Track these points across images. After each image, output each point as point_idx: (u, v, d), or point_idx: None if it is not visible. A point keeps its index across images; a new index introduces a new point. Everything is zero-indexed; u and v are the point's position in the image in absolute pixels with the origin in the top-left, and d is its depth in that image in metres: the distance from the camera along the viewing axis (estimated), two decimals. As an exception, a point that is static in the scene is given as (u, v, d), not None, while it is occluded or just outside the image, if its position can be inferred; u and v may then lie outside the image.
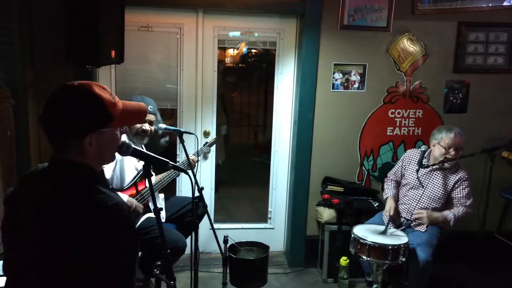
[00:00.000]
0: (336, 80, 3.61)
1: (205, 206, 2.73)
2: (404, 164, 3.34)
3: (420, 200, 3.20)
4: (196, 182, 2.56)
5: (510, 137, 3.74)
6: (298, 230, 3.78)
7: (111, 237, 1.23)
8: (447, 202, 3.20)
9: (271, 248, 3.42)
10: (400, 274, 3.25)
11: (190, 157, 2.87)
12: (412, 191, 3.25)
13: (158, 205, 1.84)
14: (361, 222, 3.32)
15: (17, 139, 2.86)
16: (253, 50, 5.23)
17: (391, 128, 3.76)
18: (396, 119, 3.75)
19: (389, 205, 3.25)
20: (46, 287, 1.27)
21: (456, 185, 3.15)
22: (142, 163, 1.68)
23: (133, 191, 2.81)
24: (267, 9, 3.50)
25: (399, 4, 3.51)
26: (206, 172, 3.79)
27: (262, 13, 3.58)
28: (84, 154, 1.30)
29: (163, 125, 2.96)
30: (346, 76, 3.62)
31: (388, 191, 3.38)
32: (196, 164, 3.07)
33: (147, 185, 1.70)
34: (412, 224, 3.18)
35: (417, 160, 3.20)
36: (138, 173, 2.84)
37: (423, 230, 3.13)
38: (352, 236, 2.99)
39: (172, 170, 2.44)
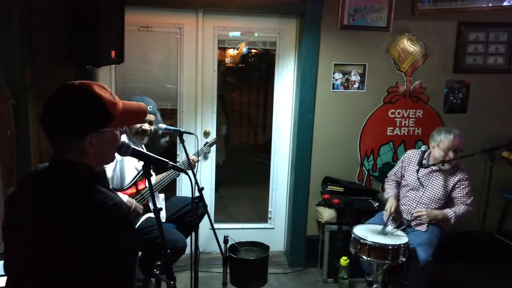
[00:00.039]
0: (336, 80, 3.61)
1: (205, 206, 2.73)
2: (404, 164, 3.34)
3: (420, 201, 3.20)
4: (196, 182, 2.56)
5: (510, 137, 3.74)
6: (298, 230, 3.78)
7: (111, 237, 1.23)
8: (447, 203, 3.19)
9: (271, 248, 3.42)
10: (400, 274, 3.25)
11: (190, 157, 2.87)
12: (412, 192, 3.25)
13: (158, 205, 1.84)
14: (361, 222, 3.32)
15: (17, 139, 2.86)
16: (253, 50, 5.23)
17: (391, 128, 3.76)
18: (396, 119, 3.75)
19: (390, 203, 3.24)
20: (46, 287, 1.27)
21: (457, 185, 3.15)
22: (142, 163, 1.67)
23: (133, 191, 2.81)
24: (267, 9, 3.50)
25: (399, 4, 3.51)
26: (206, 172, 3.79)
27: (262, 13, 3.58)
28: (84, 154, 1.29)
29: (163, 125, 2.96)
30: (346, 76, 3.62)
31: (390, 190, 3.37)
32: (196, 164, 3.07)
33: (147, 185, 1.70)
34: (412, 224, 3.18)
35: (417, 161, 3.20)
36: (138, 173, 2.84)
37: (423, 230, 3.13)
38: (352, 236, 2.99)
39: (172, 170, 2.44)
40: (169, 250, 1.80)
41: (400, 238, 2.94)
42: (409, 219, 3.19)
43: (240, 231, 3.80)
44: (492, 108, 3.80)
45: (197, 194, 2.58)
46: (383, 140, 3.78)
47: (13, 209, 1.39)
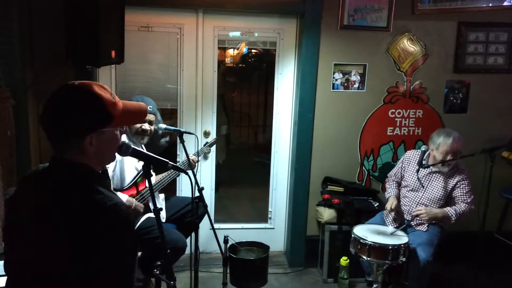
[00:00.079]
0: (336, 80, 3.61)
1: (205, 206, 2.73)
2: (403, 165, 3.34)
3: (420, 202, 3.19)
4: (196, 182, 2.56)
5: (510, 137, 3.74)
6: (298, 230, 3.78)
7: (111, 237, 1.23)
8: (447, 203, 3.19)
9: (271, 248, 3.41)
10: (400, 274, 3.25)
11: (190, 157, 2.87)
12: (412, 192, 3.25)
13: (158, 205, 1.84)
14: (361, 222, 3.32)
15: (17, 139, 2.86)
16: (253, 50, 5.23)
17: (391, 128, 3.76)
18: (396, 119, 3.75)
19: (391, 201, 3.23)
20: (46, 287, 1.27)
21: (457, 186, 3.14)
22: (142, 163, 1.68)
23: (134, 191, 2.81)
24: (267, 9, 3.50)
25: (399, 4, 3.51)
26: (206, 172, 3.79)
27: (262, 13, 3.58)
28: (84, 154, 1.29)
29: (163, 125, 2.96)
30: (346, 76, 3.61)
31: (391, 190, 3.37)
32: (196, 164, 3.07)
33: (147, 185, 1.70)
34: (412, 224, 3.17)
35: (417, 161, 3.20)
36: (138, 173, 2.84)
37: (424, 230, 3.13)
38: (352, 236, 2.99)
39: (172, 170, 2.44)
40: (169, 250, 1.80)
41: (400, 238, 2.94)
42: (409, 219, 3.19)
43: (240, 231, 3.80)
44: (492, 108, 3.79)
45: (197, 194, 2.58)
46: (383, 140, 3.78)
47: (13, 209, 1.40)
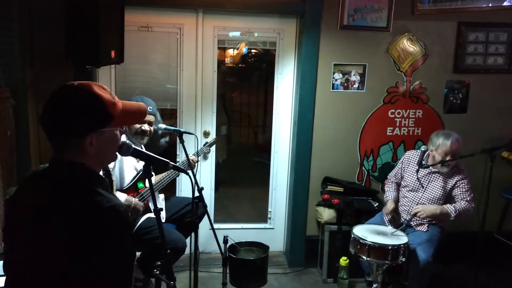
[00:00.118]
0: (336, 80, 3.61)
1: (205, 206, 2.73)
2: (403, 165, 3.34)
3: (420, 202, 3.19)
4: (196, 182, 2.56)
5: (510, 137, 3.74)
6: (298, 230, 3.78)
7: (110, 237, 1.23)
8: (446, 203, 3.18)
9: (271, 248, 3.42)
10: (400, 274, 3.25)
11: (190, 157, 2.87)
12: (411, 193, 3.25)
13: (158, 205, 1.84)
14: (361, 222, 3.32)
15: (17, 139, 2.86)
16: (253, 50, 5.23)
17: (391, 128, 3.76)
18: (396, 119, 3.75)
19: (388, 206, 3.24)
20: (46, 287, 1.27)
21: (456, 185, 3.14)
22: (141, 163, 1.68)
23: (134, 192, 2.81)
24: (267, 9, 3.50)
25: (399, 4, 3.51)
26: (206, 172, 3.79)
27: (262, 13, 3.58)
28: (84, 154, 1.30)
29: (163, 125, 2.95)
30: (346, 76, 3.62)
31: (389, 193, 3.37)
32: (196, 164, 3.07)
33: (147, 185, 1.70)
34: (412, 224, 3.17)
35: (416, 161, 3.20)
36: (138, 173, 2.84)
37: (424, 230, 3.13)
38: (352, 236, 2.99)
39: (172, 170, 2.44)
40: (169, 250, 1.80)
41: (399, 238, 2.94)
42: (409, 218, 3.18)
43: (240, 231, 3.80)
44: (492, 108, 3.80)
45: (197, 194, 2.58)
46: (383, 140, 3.78)
47: (13, 209, 1.40)
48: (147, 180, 1.70)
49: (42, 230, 1.25)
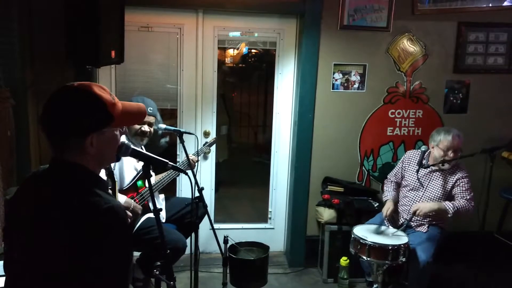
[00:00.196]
0: (336, 80, 3.61)
1: (205, 206, 2.73)
2: (404, 165, 3.34)
3: (420, 201, 3.19)
4: (196, 182, 2.56)
5: (510, 137, 3.74)
6: (298, 230, 3.78)
7: (110, 238, 1.24)
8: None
9: (271, 248, 3.42)
10: (400, 274, 3.25)
11: (190, 157, 2.87)
12: (412, 192, 3.25)
13: (158, 206, 1.84)
14: (361, 222, 3.32)
15: (17, 139, 2.86)
16: (253, 50, 5.23)
17: (391, 128, 3.76)
18: (396, 119, 3.75)
19: (387, 206, 3.24)
20: (46, 287, 1.27)
21: (456, 184, 3.14)
22: (141, 163, 1.68)
23: (133, 192, 2.81)
24: (267, 9, 3.50)
25: (399, 4, 3.51)
26: (206, 172, 3.79)
27: (262, 13, 3.58)
28: (84, 154, 1.30)
29: (163, 126, 2.95)
30: (346, 76, 3.61)
31: (388, 193, 3.37)
32: (196, 164, 3.07)
33: (147, 185, 1.70)
34: (412, 224, 3.17)
35: (417, 161, 3.20)
36: (137, 173, 2.84)
37: (424, 231, 3.13)
38: (352, 236, 2.99)
39: (172, 170, 2.44)
40: (169, 251, 1.80)
41: (400, 238, 2.94)
42: (409, 218, 3.18)
43: (240, 231, 3.80)
44: (492, 108, 3.80)
45: (197, 194, 2.58)
46: (383, 140, 3.78)
47: (13, 209, 1.40)
48: (146, 180, 1.70)
49: (42, 230, 1.25)
